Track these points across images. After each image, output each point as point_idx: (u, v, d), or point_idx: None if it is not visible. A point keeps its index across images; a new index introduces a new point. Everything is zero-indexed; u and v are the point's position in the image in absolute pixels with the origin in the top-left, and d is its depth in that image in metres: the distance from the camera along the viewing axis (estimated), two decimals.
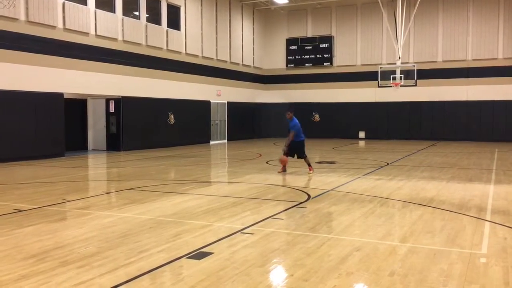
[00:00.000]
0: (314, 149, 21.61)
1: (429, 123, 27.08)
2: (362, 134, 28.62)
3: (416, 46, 27.27)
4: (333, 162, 15.17)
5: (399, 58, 22.37)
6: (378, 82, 23.58)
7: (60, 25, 17.07)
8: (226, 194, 9.21)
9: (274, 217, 7.11)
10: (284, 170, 12.48)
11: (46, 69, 16.53)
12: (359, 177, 11.66)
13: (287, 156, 12.45)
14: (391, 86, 22.95)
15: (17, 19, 15.54)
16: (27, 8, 15.83)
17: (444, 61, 26.78)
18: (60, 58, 17.02)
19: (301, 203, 8.22)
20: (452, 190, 9.70)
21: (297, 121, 12.56)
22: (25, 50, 15.80)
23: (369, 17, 28.26)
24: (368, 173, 12.44)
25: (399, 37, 22.37)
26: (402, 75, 22.36)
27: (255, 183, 10.72)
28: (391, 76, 22.59)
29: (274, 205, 8.12)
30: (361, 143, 25.79)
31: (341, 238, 5.90)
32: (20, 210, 7.66)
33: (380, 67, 23.65)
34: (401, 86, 22.61)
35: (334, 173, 12.37)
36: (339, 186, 10.08)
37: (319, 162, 15.27)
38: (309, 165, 12.44)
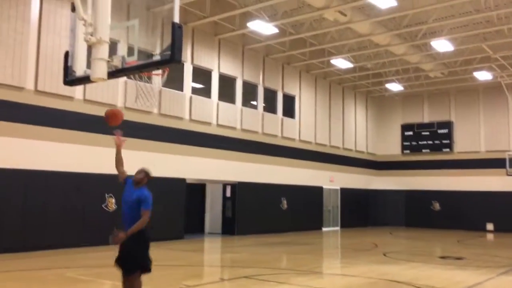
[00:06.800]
0: (436, 240, 20.08)
1: None
2: (490, 226, 26.00)
3: None
4: (460, 258, 13.85)
5: None
6: (507, 170, 21.79)
7: (186, 116, 18.65)
8: None
9: None
10: None
11: (172, 156, 17.90)
12: (493, 277, 10.44)
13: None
14: None
15: (151, 112, 17.34)
16: (160, 103, 17.64)
17: None
18: (184, 146, 18.40)
19: None
20: None
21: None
22: (157, 139, 17.38)
23: (492, 101, 26.77)
24: (503, 272, 11.10)
25: None
26: None
27: (373, 277, 10.11)
28: None
29: None
30: (490, 236, 23.42)
31: None
32: None
33: (508, 154, 21.93)
34: None
35: (462, 271, 11.23)
36: (470, 287, 9.09)
37: (443, 257, 14.05)
38: None
